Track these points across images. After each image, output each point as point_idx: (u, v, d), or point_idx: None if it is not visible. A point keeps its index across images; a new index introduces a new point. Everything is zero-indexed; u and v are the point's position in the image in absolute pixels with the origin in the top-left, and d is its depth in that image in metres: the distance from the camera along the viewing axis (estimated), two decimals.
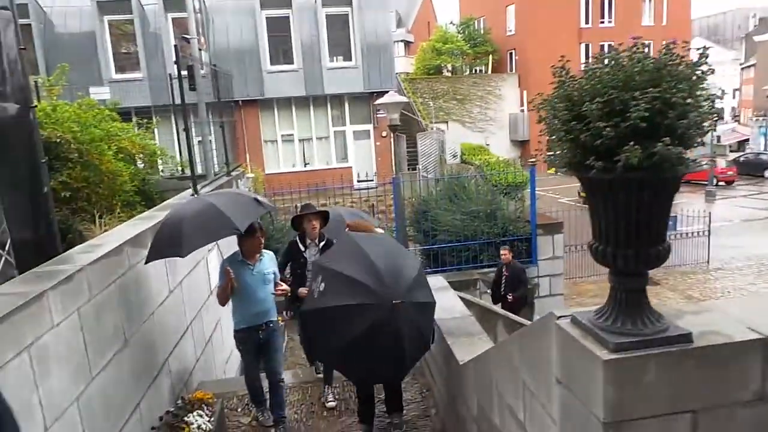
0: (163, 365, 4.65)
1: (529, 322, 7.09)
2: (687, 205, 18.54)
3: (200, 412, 4.18)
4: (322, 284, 3.66)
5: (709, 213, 16.50)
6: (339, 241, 4.43)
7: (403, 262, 3.82)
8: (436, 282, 5.58)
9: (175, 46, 8.88)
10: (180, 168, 11.62)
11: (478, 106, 31.92)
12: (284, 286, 4.60)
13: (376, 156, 21.37)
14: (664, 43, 1.62)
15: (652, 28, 31.35)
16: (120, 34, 19.08)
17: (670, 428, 1.66)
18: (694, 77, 1.56)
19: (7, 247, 3.55)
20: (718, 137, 37.54)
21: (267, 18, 19.56)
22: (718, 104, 1.58)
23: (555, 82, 1.73)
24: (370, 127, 21.40)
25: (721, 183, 27.72)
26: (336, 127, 21.34)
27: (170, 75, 8.67)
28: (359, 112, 21.27)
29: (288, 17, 19.76)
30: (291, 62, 19.99)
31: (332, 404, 5.09)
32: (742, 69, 49.18)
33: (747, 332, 1.70)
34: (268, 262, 4.59)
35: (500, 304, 8.92)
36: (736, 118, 49.45)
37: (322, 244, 4.95)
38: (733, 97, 50.79)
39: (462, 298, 5.56)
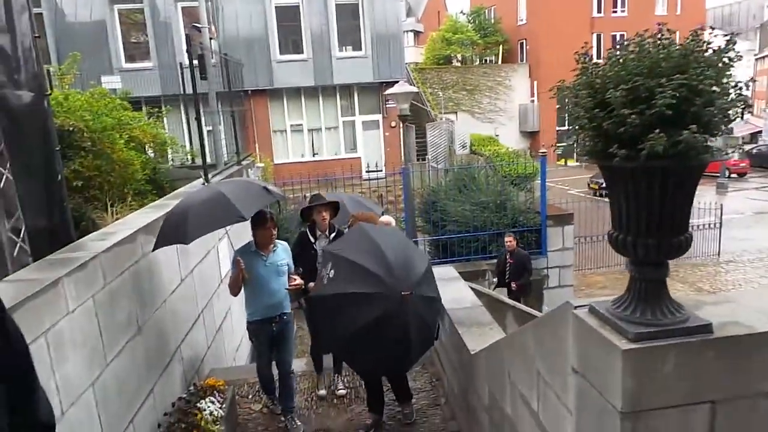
0: (175, 352, 4.69)
1: (539, 313, 7.08)
2: (698, 196, 17.96)
3: (212, 398, 4.23)
4: (332, 271, 3.62)
5: (721, 205, 16.33)
6: (350, 230, 4.41)
7: (413, 254, 3.81)
8: (447, 272, 5.57)
9: (187, 35, 8.88)
10: (190, 157, 11.65)
11: (488, 96, 31.69)
12: (299, 280, 4.47)
13: (385, 146, 21.30)
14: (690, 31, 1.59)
15: (666, 17, 30.88)
16: (130, 23, 19.11)
17: (687, 418, 1.66)
18: (721, 64, 1.53)
19: (22, 235, 3.58)
20: (731, 128, 37.03)
21: (276, 7, 19.51)
22: (745, 92, 1.55)
23: (578, 68, 1.70)
24: (379, 117, 21.31)
25: (733, 175, 27.44)
26: (345, 117, 21.26)
27: (181, 64, 8.67)
28: (368, 102, 21.19)
29: (298, 6, 19.69)
30: (300, 52, 19.93)
31: (342, 392, 5.12)
32: (756, 60, 48.38)
33: None
34: (281, 253, 4.51)
35: (505, 291, 8.93)
36: (749, 109, 48.77)
37: (332, 235, 4.78)
38: (747, 88, 49.94)
39: (472, 289, 5.55)
